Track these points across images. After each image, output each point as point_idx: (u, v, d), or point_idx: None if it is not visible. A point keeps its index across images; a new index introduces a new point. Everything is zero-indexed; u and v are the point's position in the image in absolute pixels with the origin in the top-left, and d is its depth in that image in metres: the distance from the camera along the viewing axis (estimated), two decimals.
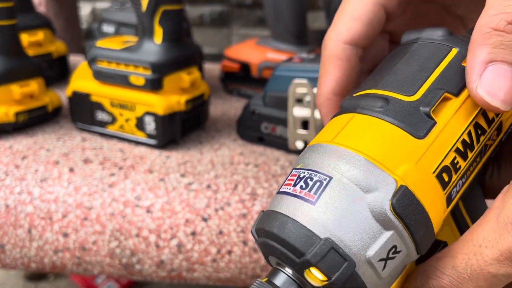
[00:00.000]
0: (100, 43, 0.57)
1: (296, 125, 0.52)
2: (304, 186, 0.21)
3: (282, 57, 0.71)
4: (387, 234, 0.20)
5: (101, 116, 0.58)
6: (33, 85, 0.59)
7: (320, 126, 0.50)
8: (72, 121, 0.60)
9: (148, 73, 0.53)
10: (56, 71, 0.79)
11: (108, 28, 0.74)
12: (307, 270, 0.20)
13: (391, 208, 0.20)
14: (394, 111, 0.22)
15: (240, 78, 0.75)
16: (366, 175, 0.20)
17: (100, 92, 0.57)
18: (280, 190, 0.22)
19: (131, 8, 0.74)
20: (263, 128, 0.56)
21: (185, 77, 0.55)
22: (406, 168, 0.21)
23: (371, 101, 0.23)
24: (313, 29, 1.15)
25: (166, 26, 0.53)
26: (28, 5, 0.75)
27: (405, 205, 0.20)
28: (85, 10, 1.45)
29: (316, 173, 0.21)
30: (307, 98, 0.51)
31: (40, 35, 0.75)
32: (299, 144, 0.53)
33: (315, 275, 0.20)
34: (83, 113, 0.59)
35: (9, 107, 0.57)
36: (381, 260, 0.20)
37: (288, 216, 0.21)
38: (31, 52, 0.71)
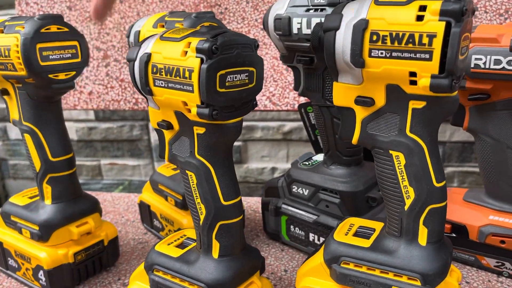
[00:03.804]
0: (338, 236, 0.50)
1: None
2: None
3: (511, 220, 0.61)
4: None
5: None
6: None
7: None
8: None
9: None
10: None
11: (300, 190, 0.68)
12: None
13: None
14: None
15: (450, 238, 0.65)
16: None
17: None
18: None
19: (322, 167, 0.68)
20: None
21: None
22: None
23: None
24: None
25: (430, 225, 0.45)
26: None
27: None
28: None
29: None
30: None
31: None
32: None
33: None
34: None
35: None
36: None
37: None
38: None
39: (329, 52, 0.44)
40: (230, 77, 0.44)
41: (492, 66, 0.56)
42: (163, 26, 0.63)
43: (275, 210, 0.71)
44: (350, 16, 0.42)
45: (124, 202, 0.94)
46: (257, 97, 0.93)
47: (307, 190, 0.67)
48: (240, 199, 0.51)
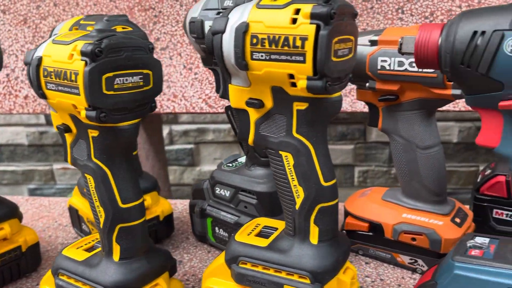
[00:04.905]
0: (239, 236, 0.51)
1: None
2: None
3: (421, 218, 0.62)
4: None
5: None
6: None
7: None
8: None
9: None
10: (163, 230, 0.74)
11: (222, 192, 0.68)
12: None
13: None
14: None
15: (367, 237, 0.67)
16: None
17: None
18: None
19: (243, 168, 0.68)
20: None
21: None
22: None
23: None
24: None
25: (321, 224, 0.46)
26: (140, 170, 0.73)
27: None
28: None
29: None
30: None
31: (148, 200, 0.71)
32: None
33: None
34: None
35: None
36: None
37: None
38: None
39: (218, 55, 0.44)
40: (120, 80, 0.44)
41: (396, 68, 0.58)
42: (77, 29, 0.63)
43: (201, 212, 0.71)
44: (235, 19, 0.43)
45: (60, 207, 0.93)
46: (194, 100, 0.93)
47: (228, 192, 0.68)
48: (142, 202, 0.51)
